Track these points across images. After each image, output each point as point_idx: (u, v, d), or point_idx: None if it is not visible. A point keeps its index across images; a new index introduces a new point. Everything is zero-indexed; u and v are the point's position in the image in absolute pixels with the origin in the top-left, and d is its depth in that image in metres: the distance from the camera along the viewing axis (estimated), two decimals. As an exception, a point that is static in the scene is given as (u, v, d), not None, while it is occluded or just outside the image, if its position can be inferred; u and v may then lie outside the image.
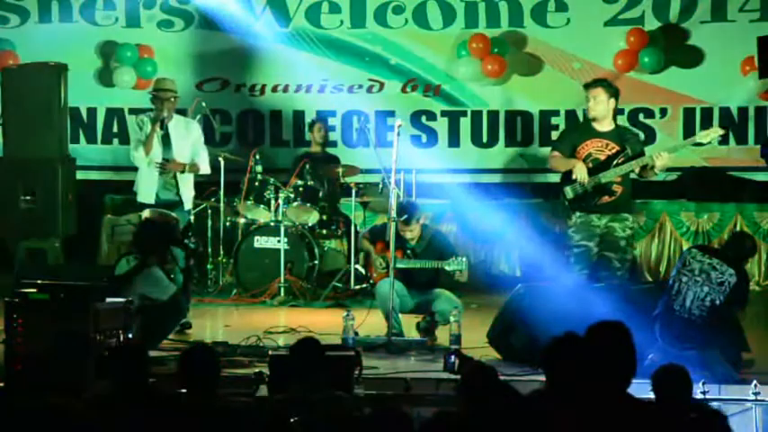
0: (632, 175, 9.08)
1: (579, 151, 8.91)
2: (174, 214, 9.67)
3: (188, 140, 10.10)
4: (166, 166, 9.91)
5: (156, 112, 9.98)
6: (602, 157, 8.87)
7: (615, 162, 8.84)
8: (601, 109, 8.94)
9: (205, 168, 10.29)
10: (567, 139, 9.21)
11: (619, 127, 9.18)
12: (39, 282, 7.74)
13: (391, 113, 12.30)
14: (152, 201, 9.89)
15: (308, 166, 11.29)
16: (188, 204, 10.17)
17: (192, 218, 10.53)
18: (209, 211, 11.51)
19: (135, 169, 10.06)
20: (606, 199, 8.89)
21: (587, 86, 9.12)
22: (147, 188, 9.97)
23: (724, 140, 12.00)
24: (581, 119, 11.52)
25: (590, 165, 8.85)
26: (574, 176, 8.83)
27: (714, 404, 7.08)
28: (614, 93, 9.01)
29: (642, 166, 8.86)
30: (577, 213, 8.93)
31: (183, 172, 9.99)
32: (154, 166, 9.91)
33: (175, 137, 10.01)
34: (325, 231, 11.37)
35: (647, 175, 9.04)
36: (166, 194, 10.01)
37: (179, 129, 10.10)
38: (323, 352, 6.09)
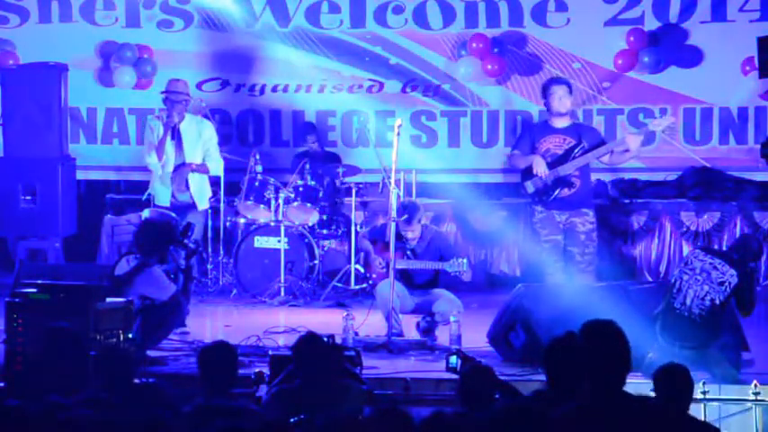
0: (602, 165, 9.40)
1: (538, 148, 9.25)
2: (173, 214, 9.70)
3: (200, 141, 10.15)
4: (175, 173, 9.99)
5: (168, 117, 10.03)
6: (560, 152, 9.17)
7: (573, 155, 9.11)
8: (567, 104, 9.29)
9: (214, 169, 10.33)
10: (526, 138, 9.62)
11: (575, 123, 9.59)
12: (39, 282, 7.74)
13: (391, 113, 12.28)
14: (167, 204, 10.00)
15: (308, 166, 11.28)
16: (202, 205, 10.24)
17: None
18: (210, 211, 11.50)
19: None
20: (566, 192, 9.22)
21: (551, 83, 9.43)
22: (162, 191, 10.05)
23: (724, 140, 12.01)
24: (580, 118, 11.58)
25: (548, 160, 9.13)
26: (534, 171, 9.16)
27: (714, 404, 7.13)
28: (572, 90, 9.48)
29: (612, 151, 9.21)
30: (539, 208, 9.30)
31: (192, 171, 10.07)
32: (168, 170, 9.97)
33: (187, 138, 10.08)
34: (325, 231, 11.36)
35: (622, 161, 9.46)
36: (181, 197, 10.09)
37: (191, 129, 10.16)
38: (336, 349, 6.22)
